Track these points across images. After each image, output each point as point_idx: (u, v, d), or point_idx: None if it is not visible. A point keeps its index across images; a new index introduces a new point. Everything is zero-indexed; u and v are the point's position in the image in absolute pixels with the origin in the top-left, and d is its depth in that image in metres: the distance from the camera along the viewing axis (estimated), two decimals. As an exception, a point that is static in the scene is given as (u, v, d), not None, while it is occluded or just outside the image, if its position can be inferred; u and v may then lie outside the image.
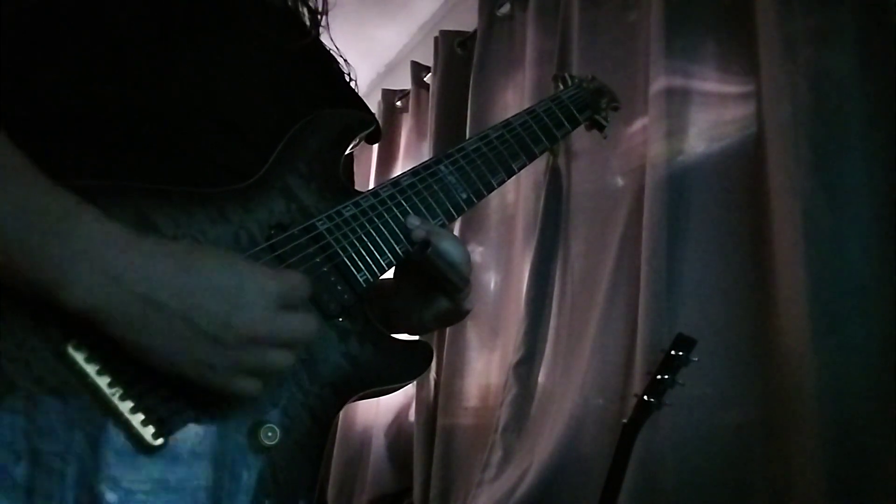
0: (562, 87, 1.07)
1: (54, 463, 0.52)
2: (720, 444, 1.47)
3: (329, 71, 0.91)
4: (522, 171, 0.94)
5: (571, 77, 1.09)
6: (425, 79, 3.09)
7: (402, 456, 2.61)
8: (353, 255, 0.73)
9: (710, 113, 1.71)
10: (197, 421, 0.59)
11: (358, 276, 0.73)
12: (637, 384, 1.55)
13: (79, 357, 0.54)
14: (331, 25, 0.95)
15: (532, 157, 0.93)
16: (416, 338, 0.85)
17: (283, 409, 0.65)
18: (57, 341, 0.54)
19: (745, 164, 1.60)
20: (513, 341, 2.09)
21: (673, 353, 1.30)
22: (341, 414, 0.73)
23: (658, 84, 1.74)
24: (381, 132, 0.87)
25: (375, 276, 0.74)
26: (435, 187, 0.82)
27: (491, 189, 0.87)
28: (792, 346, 1.37)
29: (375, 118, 0.84)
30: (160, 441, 0.57)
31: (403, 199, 0.79)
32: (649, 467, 1.50)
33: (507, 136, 0.90)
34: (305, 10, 0.92)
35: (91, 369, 0.54)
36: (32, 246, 0.51)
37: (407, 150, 3.20)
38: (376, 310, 0.82)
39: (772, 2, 1.51)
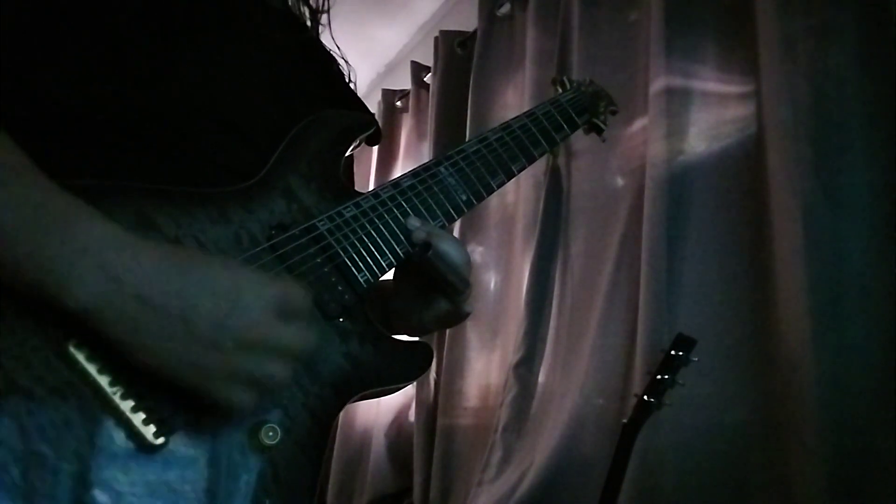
0: (560, 90, 1.08)
1: (53, 462, 0.52)
2: (720, 444, 1.47)
3: (329, 71, 0.91)
4: (522, 172, 0.94)
5: (570, 80, 1.09)
6: (425, 79, 3.09)
7: (402, 456, 2.61)
8: (354, 255, 0.73)
9: (710, 113, 1.71)
10: (198, 420, 0.59)
11: (359, 277, 0.73)
12: (637, 384, 1.55)
13: (80, 356, 0.54)
14: (331, 26, 0.95)
15: (531, 160, 0.93)
16: (416, 339, 0.85)
17: (283, 409, 0.65)
18: (58, 340, 0.54)
19: (745, 164, 1.60)
20: (513, 341, 2.09)
21: (673, 353, 1.30)
22: (341, 414, 0.73)
23: (658, 84, 1.74)
24: (381, 134, 0.88)
25: (376, 277, 0.74)
26: (435, 189, 0.82)
27: (490, 191, 0.87)
28: (792, 346, 1.37)
29: (376, 120, 0.84)
30: (161, 440, 0.57)
31: (404, 201, 0.79)
32: (649, 467, 1.50)
33: (507, 139, 0.91)
34: (306, 10, 0.92)
35: (92, 368, 0.55)
36: (32, 245, 0.51)
37: (407, 150, 3.20)
38: (376, 311, 0.83)
39: (772, 2, 1.51)
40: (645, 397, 1.31)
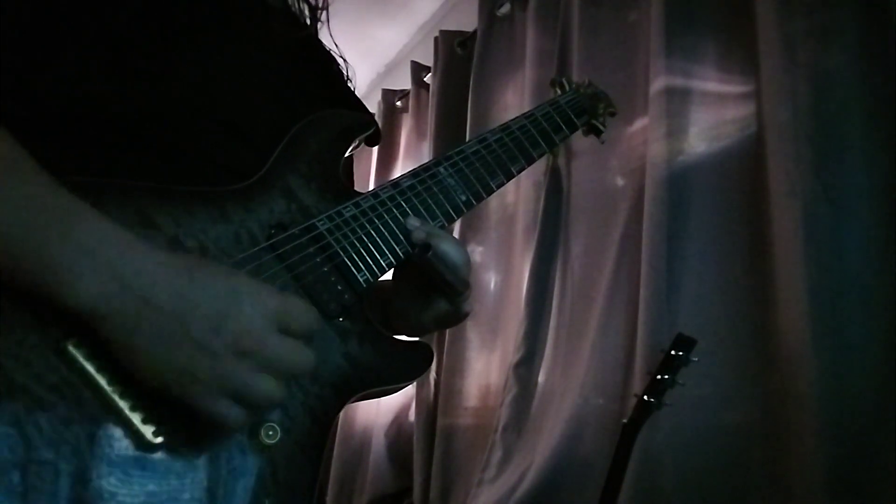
0: (559, 91, 1.08)
1: (52, 461, 0.52)
2: (720, 444, 1.47)
3: (329, 71, 0.91)
4: (522, 172, 0.94)
5: (569, 82, 1.09)
6: (425, 79, 3.09)
7: (402, 456, 2.61)
8: (354, 255, 0.73)
9: (710, 113, 1.71)
10: (197, 419, 0.59)
11: (358, 277, 0.73)
12: (637, 384, 1.55)
13: (79, 355, 0.54)
14: (331, 26, 0.95)
15: (530, 161, 0.93)
16: (416, 339, 0.85)
17: (283, 409, 0.64)
18: (57, 339, 0.54)
19: (745, 164, 1.60)
20: (513, 341, 2.09)
21: (673, 353, 1.30)
22: (341, 414, 0.73)
23: (658, 84, 1.74)
24: (381, 135, 0.88)
25: (375, 277, 0.74)
26: (434, 189, 0.82)
27: (490, 192, 0.87)
28: (792, 346, 1.37)
29: (375, 121, 0.84)
30: (160, 439, 0.57)
31: (403, 201, 0.79)
32: (649, 467, 1.50)
33: (506, 140, 0.91)
34: (305, 7, 0.92)
35: (91, 367, 0.54)
36: (33, 243, 0.51)
37: (407, 150, 3.20)
38: (376, 311, 0.83)
39: (772, 2, 1.51)
40: (645, 397, 1.31)
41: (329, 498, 2.82)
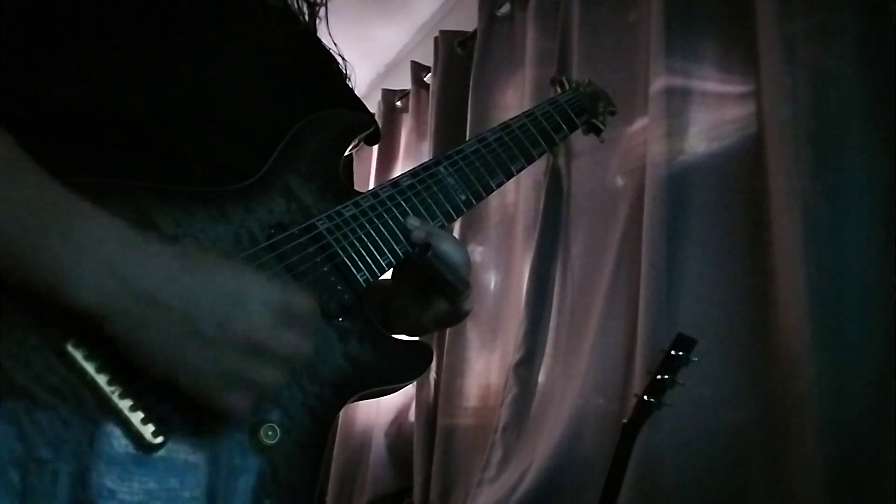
0: (559, 90, 1.08)
1: (52, 462, 0.52)
2: (720, 444, 1.47)
3: (328, 71, 0.91)
4: (522, 172, 0.94)
5: (568, 81, 1.09)
6: (425, 79, 3.09)
7: (402, 456, 2.61)
8: (353, 255, 0.73)
9: (710, 113, 1.71)
10: (197, 419, 0.59)
11: (358, 276, 0.73)
12: (637, 384, 1.55)
13: (78, 355, 0.54)
14: (331, 26, 0.95)
15: (530, 161, 0.93)
16: (416, 338, 0.85)
17: (283, 409, 0.64)
18: (56, 339, 0.54)
19: (745, 164, 1.60)
20: (513, 341, 2.09)
21: (673, 353, 1.30)
22: (341, 414, 0.73)
23: (658, 84, 1.74)
24: (381, 134, 0.88)
25: (375, 277, 0.74)
26: (434, 188, 0.82)
27: (490, 191, 0.87)
28: (792, 346, 1.37)
29: (375, 120, 0.84)
30: (160, 439, 0.57)
31: (403, 200, 0.79)
32: (649, 467, 1.50)
33: (506, 139, 0.91)
34: (304, 5, 0.92)
35: (90, 367, 0.54)
36: (33, 243, 0.51)
37: (407, 150, 3.21)
38: (376, 311, 0.83)
39: (772, 2, 1.51)
40: (645, 397, 1.31)
41: (329, 498, 2.82)
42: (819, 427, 1.28)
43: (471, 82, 2.56)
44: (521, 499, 1.79)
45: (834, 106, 1.41)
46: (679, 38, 1.74)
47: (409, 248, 0.77)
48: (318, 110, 0.79)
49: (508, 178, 0.90)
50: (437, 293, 0.80)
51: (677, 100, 1.72)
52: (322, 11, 0.94)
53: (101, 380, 0.55)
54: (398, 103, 3.34)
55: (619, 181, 1.95)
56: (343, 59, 0.93)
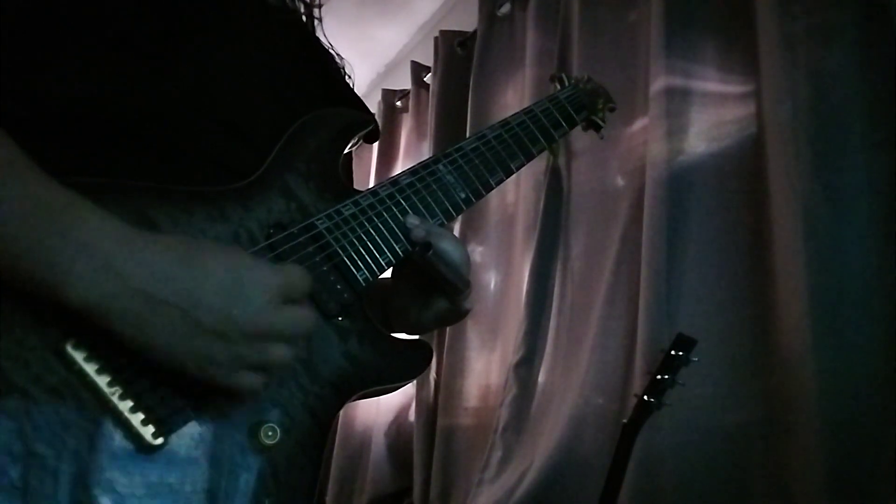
0: (559, 87, 1.07)
1: (52, 463, 0.52)
2: (720, 444, 1.47)
3: (328, 70, 0.91)
4: (522, 171, 0.94)
5: (568, 77, 1.09)
6: (425, 79, 3.09)
7: (402, 456, 2.61)
8: (353, 254, 0.73)
9: (710, 113, 1.71)
10: (197, 420, 0.59)
11: (357, 276, 0.73)
12: (637, 384, 1.55)
13: (78, 356, 0.54)
14: (331, 25, 0.95)
15: (530, 158, 0.93)
16: (416, 337, 0.85)
17: (283, 409, 0.65)
18: (56, 340, 0.54)
19: (745, 164, 1.60)
20: (513, 341, 2.09)
21: (673, 353, 1.30)
22: (341, 414, 0.73)
23: (658, 84, 1.74)
24: (380, 132, 0.87)
25: (375, 276, 0.74)
26: (434, 187, 0.82)
27: (489, 189, 0.87)
28: (792, 347, 1.37)
29: (374, 118, 0.84)
30: (160, 440, 0.57)
31: (402, 199, 0.79)
32: (649, 467, 1.49)
33: (506, 137, 0.90)
34: (301, 6, 0.92)
35: (90, 368, 0.54)
36: (32, 241, 0.51)
37: (407, 150, 3.21)
38: (375, 310, 0.82)
39: (772, 2, 1.51)
40: (645, 397, 1.31)
41: (329, 498, 2.82)
42: (819, 427, 1.28)
43: (471, 82, 2.56)
44: (521, 499, 1.79)
45: (834, 106, 1.40)
46: (679, 38, 1.74)
47: (408, 247, 0.77)
48: (317, 109, 0.78)
49: (508, 176, 0.90)
50: (437, 292, 0.80)
51: (677, 100, 1.72)
52: (319, 13, 0.94)
53: (102, 381, 0.55)
54: (398, 103, 3.35)
55: (619, 181, 1.95)
56: (341, 57, 0.93)
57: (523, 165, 0.92)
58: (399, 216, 0.78)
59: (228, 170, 0.71)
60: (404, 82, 3.22)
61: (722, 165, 1.65)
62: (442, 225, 0.81)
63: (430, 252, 0.75)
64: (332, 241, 0.72)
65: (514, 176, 0.92)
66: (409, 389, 2.56)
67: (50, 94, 0.65)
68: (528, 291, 2.07)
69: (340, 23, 0.97)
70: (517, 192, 2.37)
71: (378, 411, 2.79)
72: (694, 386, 1.35)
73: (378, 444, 2.72)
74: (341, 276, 0.72)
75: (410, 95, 3.18)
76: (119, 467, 0.55)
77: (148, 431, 0.56)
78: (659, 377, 1.30)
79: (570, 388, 1.85)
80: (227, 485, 0.60)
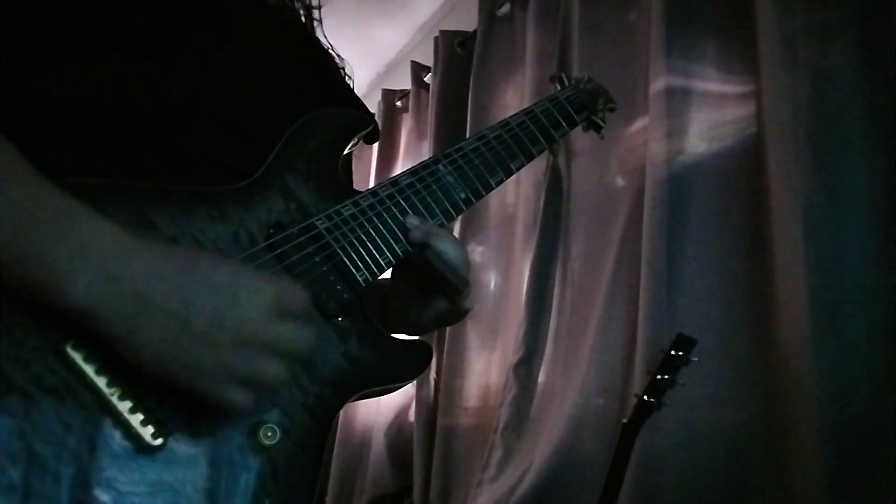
0: (559, 87, 1.07)
1: (52, 463, 0.52)
2: (720, 444, 1.47)
3: (328, 70, 0.91)
4: (522, 171, 0.94)
5: (568, 77, 1.09)
6: (425, 79, 3.09)
7: (402, 456, 2.61)
8: (353, 254, 0.73)
9: (710, 113, 1.71)
10: (197, 421, 0.59)
11: (357, 276, 0.73)
12: (637, 384, 1.55)
13: (77, 357, 0.54)
14: (331, 25, 0.95)
15: (530, 158, 0.93)
16: (416, 337, 0.85)
17: (282, 409, 0.64)
18: (55, 340, 0.54)
19: (745, 164, 1.60)
20: (513, 341, 2.09)
21: (673, 353, 1.30)
22: (341, 414, 0.73)
23: (658, 84, 1.74)
24: (380, 132, 0.87)
25: (375, 276, 0.74)
26: (433, 187, 0.82)
27: (489, 189, 0.87)
28: (792, 346, 1.37)
29: (374, 118, 0.84)
30: (160, 441, 0.57)
31: (402, 199, 0.79)
32: (649, 467, 1.49)
33: (506, 137, 0.90)
34: (300, 6, 0.92)
35: (89, 369, 0.54)
36: (30, 245, 0.51)
37: (407, 150, 3.21)
38: (375, 310, 0.82)
39: (772, 2, 1.51)
40: (645, 397, 1.31)
41: (329, 498, 2.82)
42: (819, 427, 1.28)
43: (471, 82, 2.56)
44: (521, 499, 1.79)
45: (834, 106, 1.40)
46: (679, 38, 1.74)
47: (408, 248, 0.77)
48: (317, 109, 0.78)
49: (508, 176, 0.90)
50: (437, 292, 0.80)
51: (677, 100, 1.72)
52: (321, 11, 0.94)
53: (101, 381, 0.55)
54: (398, 103, 3.35)
55: (619, 181, 1.95)
56: (340, 58, 0.93)
57: (523, 166, 0.92)
58: (399, 216, 0.78)
59: (228, 170, 0.71)
60: (404, 82, 3.23)
61: (722, 165, 1.65)
62: (442, 225, 0.81)
63: (429, 252, 0.75)
64: (331, 241, 0.72)
65: (514, 176, 0.92)
66: (409, 389, 2.56)
67: (50, 94, 0.65)
68: (527, 291, 2.07)
69: (340, 23, 0.97)
70: (517, 192, 2.37)
71: (378, 411, 2.79)
72: (694, 386, 1.35)
73: (378, 444, 2.72)
74: (341, 277, 0.72)
75: (410, 95, 3.18)
76: (119, 468, 0.55)
77: (147, 432, 0.56)
78: (659, 377, 1.31)
79: (570, 388, 1.85)
80: (226, 485, 0.60)
